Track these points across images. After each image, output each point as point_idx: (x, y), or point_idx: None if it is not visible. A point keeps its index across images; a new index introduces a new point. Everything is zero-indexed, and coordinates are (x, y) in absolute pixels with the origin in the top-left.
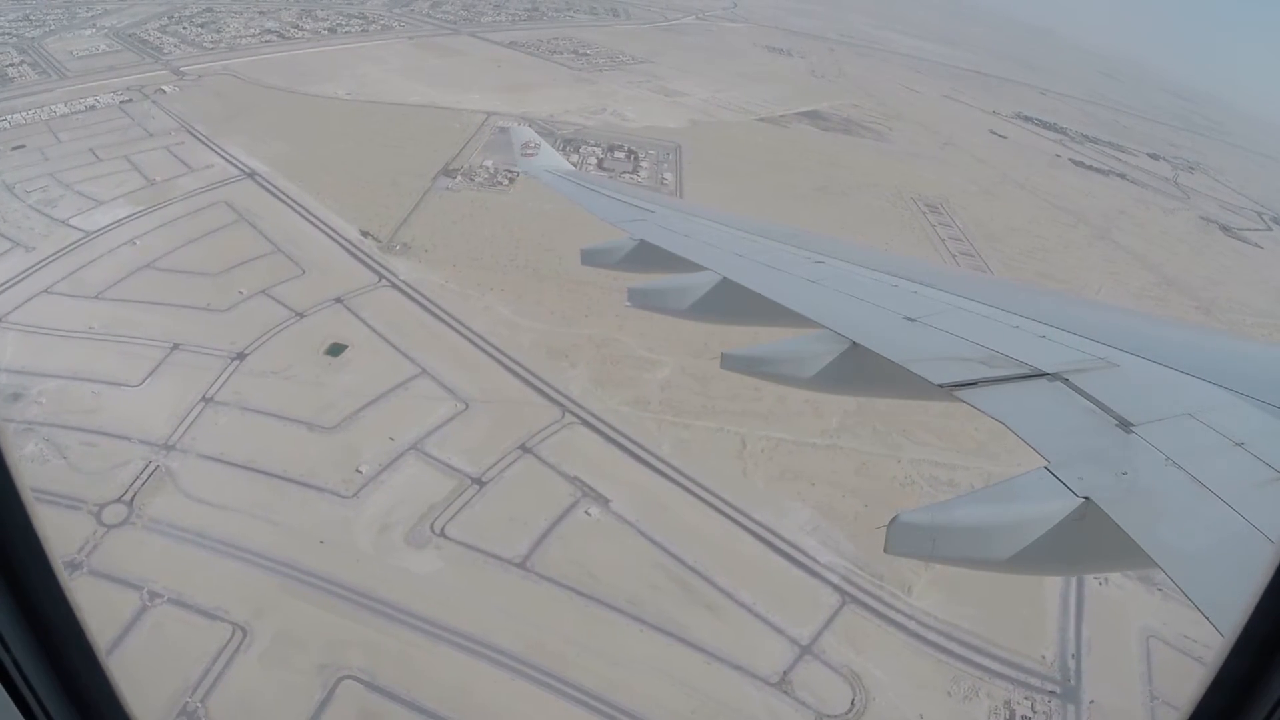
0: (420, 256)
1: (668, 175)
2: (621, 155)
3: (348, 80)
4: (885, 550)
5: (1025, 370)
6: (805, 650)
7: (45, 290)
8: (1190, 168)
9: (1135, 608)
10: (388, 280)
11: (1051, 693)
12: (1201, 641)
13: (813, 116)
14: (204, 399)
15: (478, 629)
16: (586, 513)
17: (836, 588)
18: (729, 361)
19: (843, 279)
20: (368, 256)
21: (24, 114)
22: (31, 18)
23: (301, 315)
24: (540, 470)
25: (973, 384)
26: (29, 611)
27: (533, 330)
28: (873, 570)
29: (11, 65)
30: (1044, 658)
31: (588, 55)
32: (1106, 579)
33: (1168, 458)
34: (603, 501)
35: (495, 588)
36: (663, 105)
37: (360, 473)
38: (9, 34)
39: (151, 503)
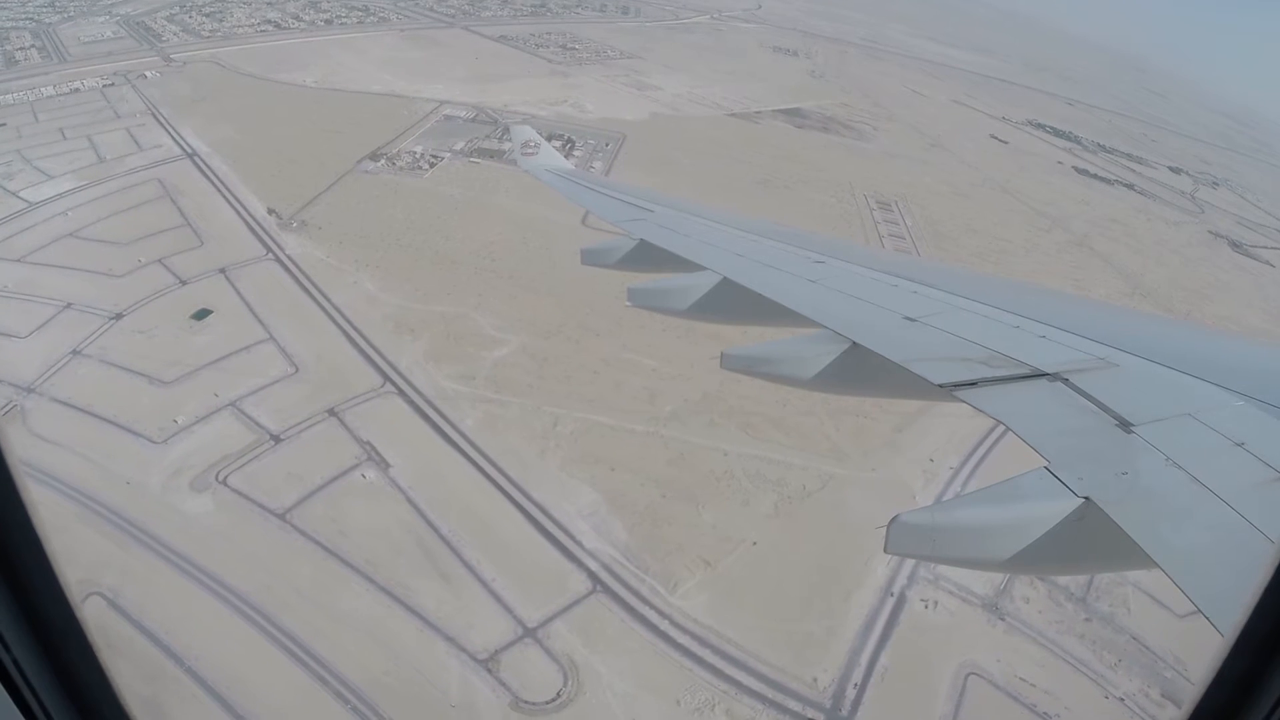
0: (312, 233)
1: (596, 164)
2: (557, 144)
3: (321, 69)
4: (885, 550)
5: (1025, 370)
6: (529, 633)
7: None
8: (1215, 183)
9: (962, 638)
10: (274, 254)
11: None
12: (1041, 687)
13: (793, 114)
14: (74, 351)
15: (219, 568)
16: (363, 475)
17: (592, 575)
18: (729, 361)
19: (843, 279)
20: (264, 232)
21: (15, 95)
22: (56, 4)
23: (184, 282)
24: (338, 433)
25: (973, 384)
26: (29, 611)
27: (389, 305)
28: (639, 562)
29: (21, 49)
30: (815, 681)
31: (575, 50)
32: (936, 603)
33: (1168, 458)
34: (383, 466)
35: (249, 534)
36: (630, 99)
37: (176, 423)
38: (31, 19)
39: None
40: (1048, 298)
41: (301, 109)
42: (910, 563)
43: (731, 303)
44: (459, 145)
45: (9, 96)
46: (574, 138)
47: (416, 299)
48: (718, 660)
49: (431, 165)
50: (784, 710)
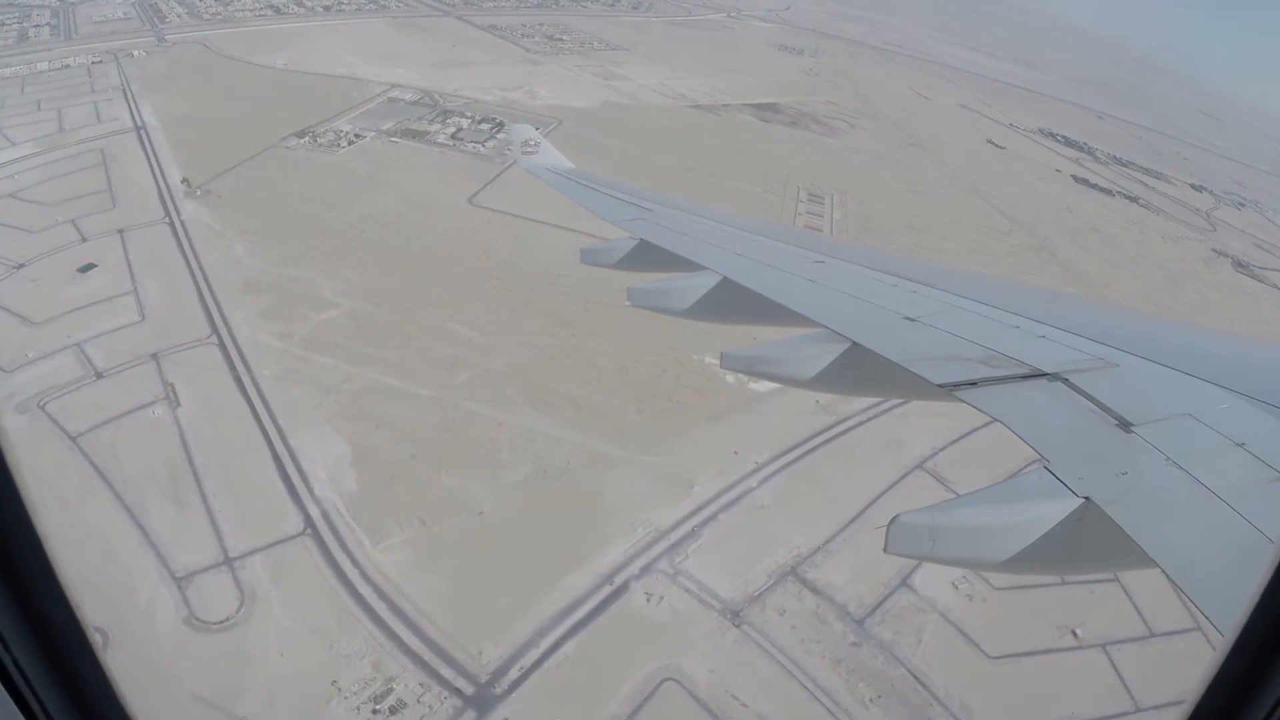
0: (211, 202)
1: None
2: (486, 127)
3: (296, 52)
4: (885, 550)
5: (1025, 370)
6: (227, 561)
7: None
8: (1241, 204)
9: (677, 641)
10: (170, 219)
11: (456, 690)
12: (754, 709)
13: (765, 109)
14: None
15: None
16: (154, 411)
17: (307, 519)
18: (729, 361)
19: (843, 278)
20: (170, 198)
21: (13, 69)
22: None
23: (85, 240)
24: (151, 374)
25: (972, 384)
26: (29, 611)
27: (249, 267)
28: (356, 513)
29: (35, 27)
30: (480, 654)
31: (560, 40)
32: (662, 598)
33: (1168, 458)
34: (174, 405)
35: (41, 449)
36: (590, 87)
37: (27, 356)
38: None
39: None
40: (1048, 298)
41: (260, 89)
42: (651, 553)
43: (732, 302)
44: (387, 125)
45: (7, 70)
46: (505, 121)
47: (276, 263)
48: (389, 615)
49: (350, 143)
50: (434, 675)
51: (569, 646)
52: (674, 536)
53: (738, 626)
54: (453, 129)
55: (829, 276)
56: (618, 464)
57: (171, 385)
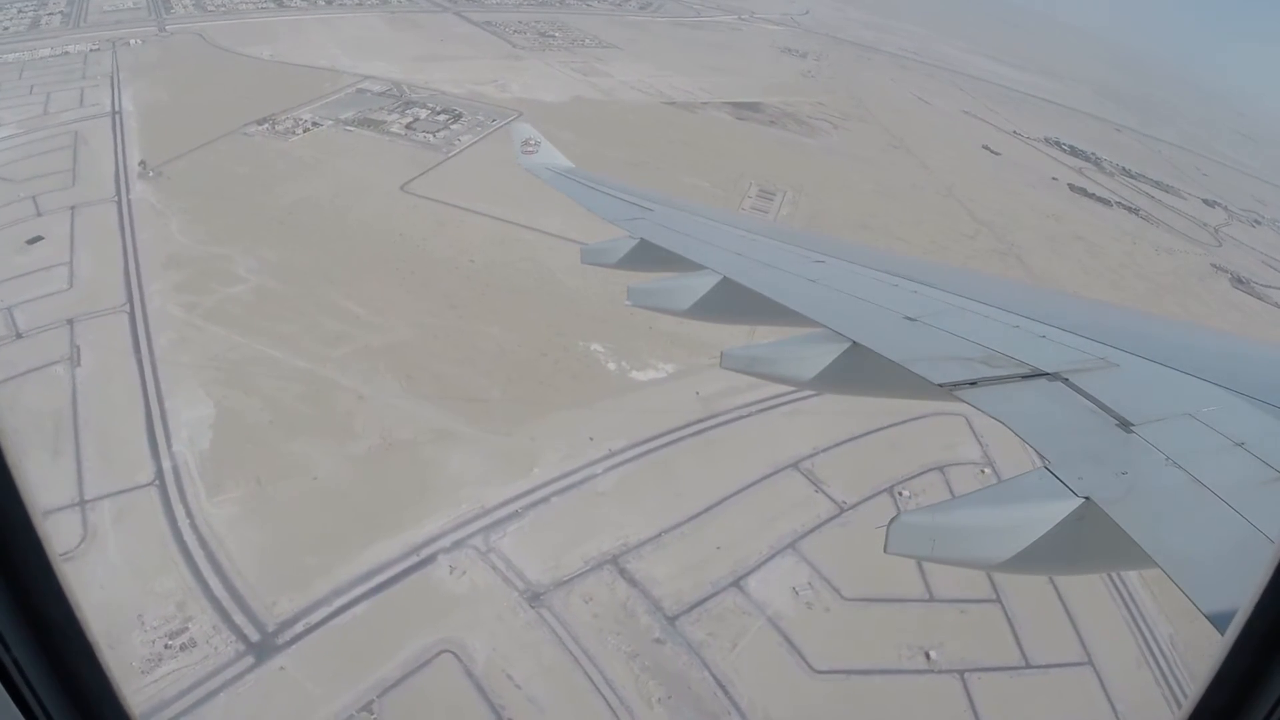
0: (161, 183)
1: (465, 137)
2: (443, 118)
3: (285, 44)
4: (885, 550)
5: (1025, 370)
6: (81, 503)
7: None
8: (1257, 221)
9: (467, 615)
10: (119, 197)
11: (243, 636)
12: (527, 692)
13: (746, 108)
14: None
15: None
16: (56, 370)
17: (159, 470)
18: (729, 361)
19: (843, 278)
20: (124, 179)
21: (16, 55)
22: None
23: (40, 215)
24: (63, 336)
25: (973, 384)
26: (29, 611)
27: (178, 243)
28: (202, 468)
29: (49, 15)
30: (274, 605)
31: (552, 37)
32: (465, 573)
33: (1168, 458)
34: (74, 365)
35: None
36: (566, 83)
37: None
38: None
39: None
40: (1048, 298)
41: (240, 78)
42: (468, 529)
43: (732, 302)
44: (347, 115)
45: (11, 56)
46: (464, 112)
47: (203, 240)
48: (203, 561)
49: (306, 131)
50: (227, 620)
51: (360, 609)
52: (498, 515)
53: (534, 609)
54: (409, 119)
55: (829, 276)
56: (464, 441)
57: (78, 347)
